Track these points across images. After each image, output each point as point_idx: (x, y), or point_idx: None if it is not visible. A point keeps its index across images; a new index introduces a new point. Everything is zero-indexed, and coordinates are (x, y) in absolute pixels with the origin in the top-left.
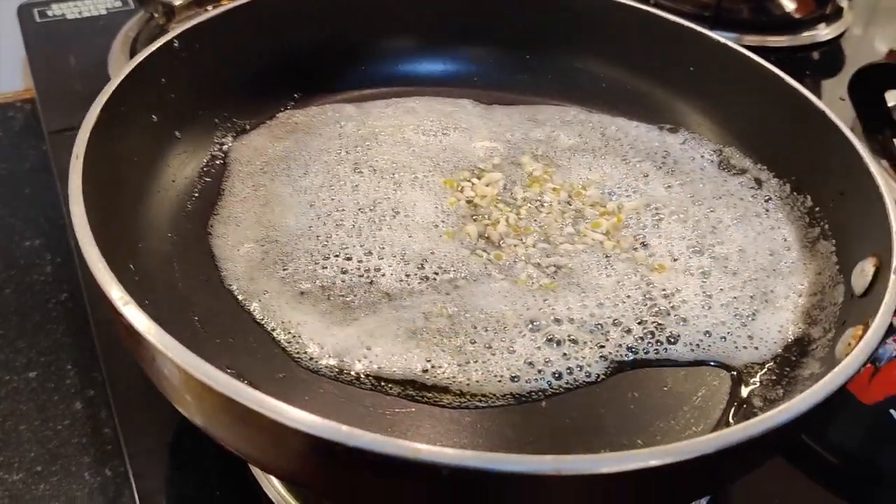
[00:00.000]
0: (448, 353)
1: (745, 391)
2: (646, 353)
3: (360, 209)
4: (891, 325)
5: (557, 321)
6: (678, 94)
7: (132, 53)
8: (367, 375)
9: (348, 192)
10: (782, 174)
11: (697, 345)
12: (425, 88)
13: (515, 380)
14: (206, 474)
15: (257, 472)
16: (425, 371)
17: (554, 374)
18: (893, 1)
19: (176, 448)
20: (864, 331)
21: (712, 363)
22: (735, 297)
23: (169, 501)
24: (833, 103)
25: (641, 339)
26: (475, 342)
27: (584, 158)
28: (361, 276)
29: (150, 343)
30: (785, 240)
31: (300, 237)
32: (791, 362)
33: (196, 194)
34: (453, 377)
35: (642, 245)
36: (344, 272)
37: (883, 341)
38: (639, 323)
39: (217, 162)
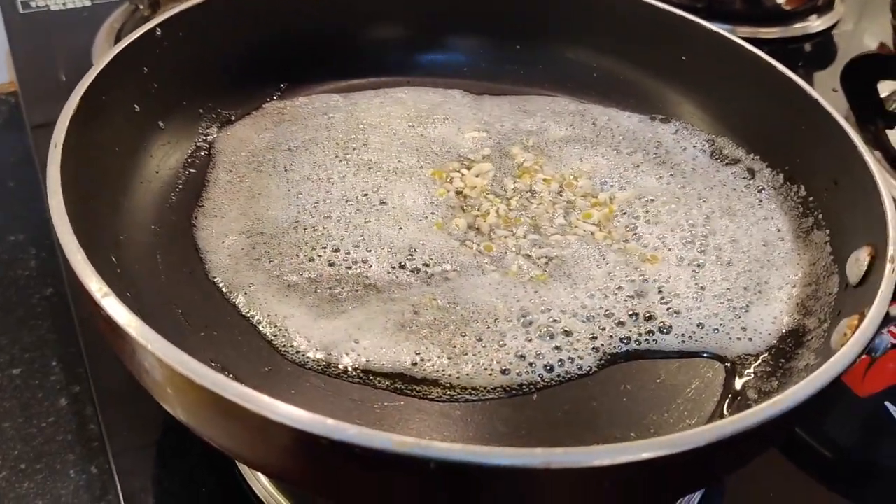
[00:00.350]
0: (437, 346)
1: (739, 383)
2: (638, 344)
3: (347, 200)
4: (887, 314)
5: (548, 313)
6: (670, 84)
7: None
8: (355, 369)
9: (336, 183)
10: (775, 164)
11: (690, 336)
12: (414, 78)
13: (506, 373)
14: (193, 471)
15: (244, 469)
16: (414, 364)
17: (545, 366)
18: (879, 3)
19: (162, 445)
20: (860, 321)
21: (706, 355)
22: (728, 289)
23: (155, 499)
24: (825, 95)
25: (634, 330)
26: (465, 335)
27: (575, 149)
28: (349, 268)
29: (131, 336)
30: (778, 230)
31: (286, 229)
32: (786, 353)
33: (180, 185)
34: (443, 370)
35: (634, 236)
36: (331, 264)
37: (879, 331)
38: (631, 315)
39: (202, 153)
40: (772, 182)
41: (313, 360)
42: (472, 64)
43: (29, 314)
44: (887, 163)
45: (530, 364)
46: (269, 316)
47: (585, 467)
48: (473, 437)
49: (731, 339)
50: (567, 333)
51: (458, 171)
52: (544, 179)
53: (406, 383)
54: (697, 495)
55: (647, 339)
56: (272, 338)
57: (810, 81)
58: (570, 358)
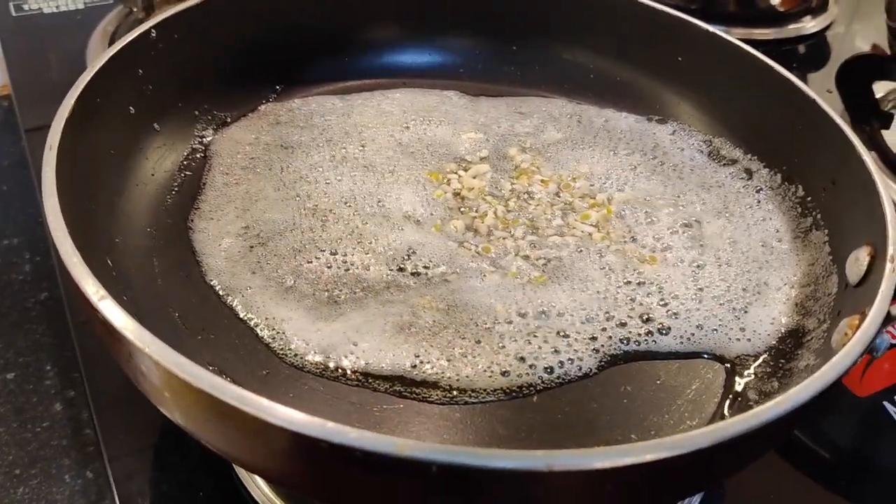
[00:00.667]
0: (437, 349)
1: (739, 384)
2: (637, 345)
3: (344, 203)
4: (888, 313)
5: (548, 314)
6: (667, 85)
7: None
8: (354, 371)
9: (333, 185)
10: (773, 164)
11: (689, 337)
12: (410, 80)
13: (506, 374)
14: (190, 476)
15: (242, 473)
16: (414, 367)
17: (545, 368)
18: (873, 1)
19: (159, 449)
20: (861, 320)
21: (706, 356)
22: (727, 289)
23: None
24: (820, 96)
25: (633, 331)
26: (464, 337)
27: (572, 150)
28: (347, 270)
29: (128, 339)
30: (776, 230)
31: (283, 231)
32: (786, 354)
33: (176, 188)
34: (442, 372)
35: (632, 237)
36: (329, 267)
37: (880, 331)
38: (630, 316)
39: (197, 155)
40: (770, 182)
41: (311, 363)
42: (469, 65)
43: (23, 318)
44: (883, 163)
45: (530, 366)
46: (266, 319)
47: (587, 469)
48: (473, 439)
49: (730, 339)
50: (566, 335)
51: (456, 173)
52: (542, 181)
53: (405, 386)
54: (697, 498)
55: (646, 341)
56: (270, 340)
57: (805, 82)
58: (569, 359)
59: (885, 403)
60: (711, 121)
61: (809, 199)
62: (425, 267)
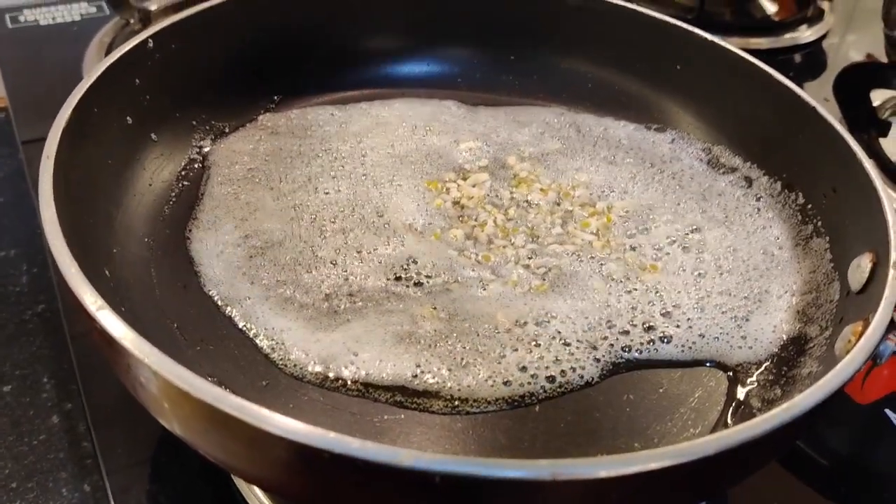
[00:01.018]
0: (438, 358)
1: (742, 392)
2: (639, 353)
3: (343, 212)
4: (892, 320)
5: (549, 323)
6: (666, 94)
7: None
8: (355, 382)
9: (331, 195)
10: (773, 172)
11: (691, 346)
12: (408, 90)
13: (508, 384)
14: (188, 489)
15: (241, 485)
16: (415, 377)
17: (547, 377)
18: (869, 9)
19: (157, 462)
20: (865, 327)
21: (708, 364)
22: (728, 298)
23: None
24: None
25: (635, 340)
26: (466, 346)
27: (571, 159)
28: (346, 280)
29: (126, 349)
30: (777, 238)
31: (282, 242)
32: (788, 361)
33: (174, 198)
34: (444, 382)
35: (633, 246)
36: (328, 277)
37: (884, 337)
38: (632, 324)
39: (195, 165)
40: (770, 190)
41: (311, 374)
42: (467, 75)
43: (20, 330)
44: (881, 171)
45: (532, 375)
46: (265, 329)
47: (592, 478)
48: (475, 449)
49: (732, 347)
50: (567, 343)
51: (455, 182)
52: (541, 189)
53: (406, 396)
54: None
55: (648, 349)
56: (269, 351)
57: None
58: (571, 368)
59: (887, 411)
60: (710, 129)
61: (810, 206)
62: (426, 276)
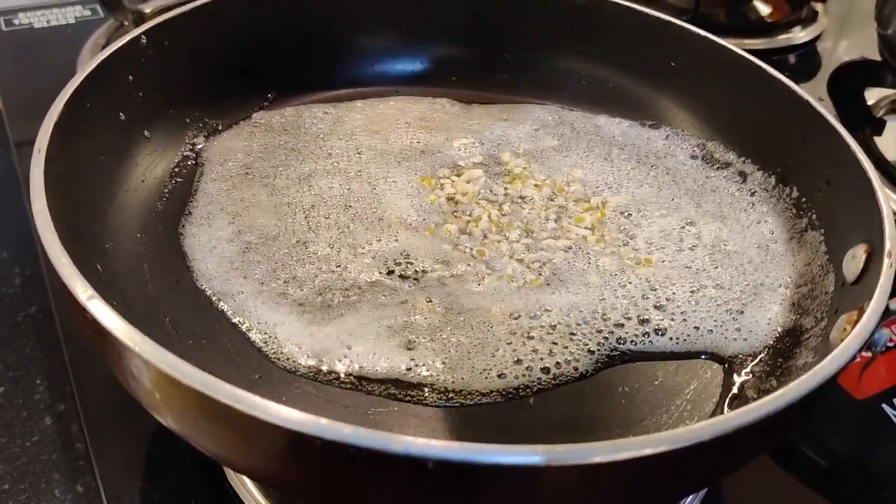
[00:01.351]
0: (432, 351)
1: (738, 383)
2: (634, 345)
3: (337, 209)
4: (886, 307)
5: (543, 316)
6: (660, 90)
7: None
8: (348, 375)
9: (325, 191)
10: (767, 166)
11: (685, 338)
12: (403, 88)
13: (503, 377)
14: (182, 489)
15: (235, 482)
16: (408, 369)
17: (542, 369)
18: (863, 11)
19: (150, 463)
20: (860, 315)
21: (703, 356)
22: (723, 291)
23: None
24: None
25: (629, 332)
26: (460, 339)
27: (566, 156)
28: (340, 274)
29: (117, 339)
30: (772, 232)
31: (276, 237)
32: (784, 353)
33: (167, 195)
34: (438, 375)
35: (627, 240)
36: (322, 271)
37: (878, 325)
38: (626, 317)
39: (189, 162)
40: (764, 184)
41: (304, 367)
42: (461, 73)
43: (13, 332)
44: (876, 169)
45: (526, 367)
46: (258, 323)
47: (586, 464)
48: (470, 440)
49: (727, 339)
50: (562, 336)
51: (449, 178)
52: (536, 185)
53: (400, 388)
54: None
55: (643, 341)
56: (262, 345)
57: None
58: (566, 361)
59: (884, 406)
60: (704, 124)
61: (804, 199)
62: (421, 271)
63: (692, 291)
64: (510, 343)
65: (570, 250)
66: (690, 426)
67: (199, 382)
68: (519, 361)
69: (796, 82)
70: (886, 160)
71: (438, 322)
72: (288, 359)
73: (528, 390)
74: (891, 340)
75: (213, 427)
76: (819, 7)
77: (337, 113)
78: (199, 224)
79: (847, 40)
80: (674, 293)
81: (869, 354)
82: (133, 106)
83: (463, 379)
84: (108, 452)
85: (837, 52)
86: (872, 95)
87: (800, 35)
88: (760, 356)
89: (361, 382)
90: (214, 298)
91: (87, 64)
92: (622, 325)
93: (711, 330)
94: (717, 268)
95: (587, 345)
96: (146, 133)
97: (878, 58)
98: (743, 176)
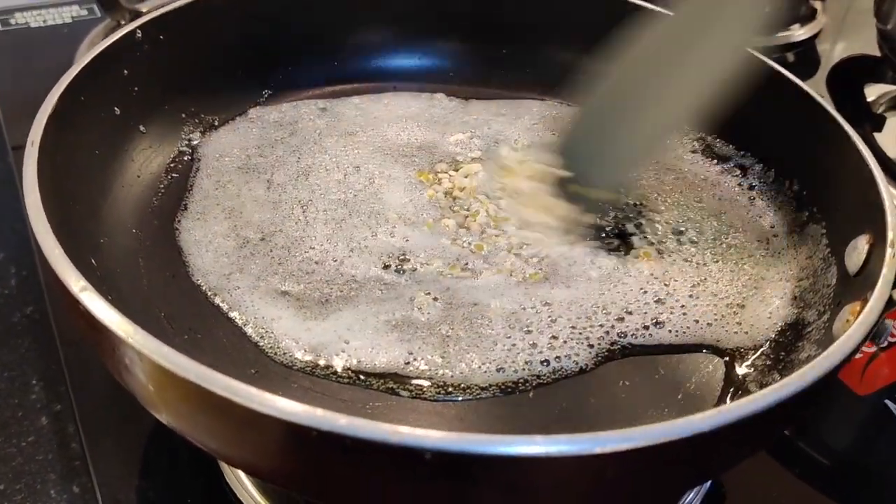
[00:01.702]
0: (430, 345)
1: (739, 376)
2: (634, 339)
3: (334, 204)
4: (890, 298)
5: (542, 310)
6: None
7: None
8: (346, 369)
9: (322, 187)
10: (767, 160)
11: (685, 332)
12: (400, 84)
13: (501, 371)
14: (178, 488)
15: (232, 480)
16: (407, 364)
17: (541, 362)
18: (862, 9)
19: (146, 462)
20: (863, 306)
21: (704, 350)
22: (723, 285)
23: None
24: None
25: (630, 326)
26: (459, 333)
27: None
28: (337, 269)
29: (109, 329)
30: (772, 226)
31: (273, 233)
32: (786, 346)
33: (162, 190)
34: (436, 369)
35: (627, 234)
36: (318, 265)
37: (882, 316)
38: (626, 311)
39: (184, 157)
40: (764, 178)
41: (301, 362)
42: (459, 68)
43: (8, 333)
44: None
45: (526, 361)
46: (255, 318)
47: (588, 455)
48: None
49: (727, 333)
50: (562, 330)
51: (447, 173)
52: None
53: (398, 383)
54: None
55: (643, 335)
56: (259, 339)
57: None
58: (566, 355)
59: (887, 402)
60: (704, 119)
61: (805, 192)
62: (419, 265)
63: (692, 285)
64: (509, 337)
65: (568, 245)
66: (691, 417)
67: (193, 374)
68: (518, 356)
69: None
70: (887, 156)
71: (437, 316)
72: (285, 353)
73: (527, 384)
74: (892, 336)
75: (209, 420)
76: (818, 5)
77: (334, 108)
78: (195, 219)
79: (846, 38)
80: (674, 288)
81: (873, 349)
82: (128, 100)
83: (462, 373)
84: (104, 452)
85: (837, 50)
86: (872, 92)
87: (799, 33)
88: (762, 349)
89: (359, 377)
90: (210, 294)
91: (82, 58)
92: (622, 319)
93: (711, 323)
94: (717, 262)
95: (587, 339)
96: (142, 128)
97: (877, 53)
98: (743, 170)
